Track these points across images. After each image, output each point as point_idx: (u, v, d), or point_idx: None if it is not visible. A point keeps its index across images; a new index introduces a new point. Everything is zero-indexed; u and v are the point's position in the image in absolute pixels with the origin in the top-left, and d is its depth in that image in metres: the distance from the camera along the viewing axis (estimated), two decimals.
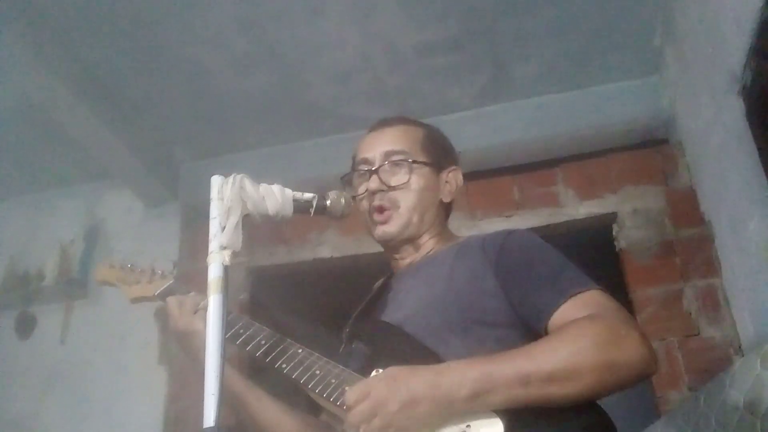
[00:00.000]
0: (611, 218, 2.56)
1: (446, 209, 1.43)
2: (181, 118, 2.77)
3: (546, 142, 2.68)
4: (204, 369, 1.16)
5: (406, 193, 1.34)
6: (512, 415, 0.99)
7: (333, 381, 1.14)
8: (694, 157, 2.45)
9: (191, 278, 1.41)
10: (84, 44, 2.37)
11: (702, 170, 2.37)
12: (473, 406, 1.00)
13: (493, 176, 2.71)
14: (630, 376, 1.01)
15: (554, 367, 0.99)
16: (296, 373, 1.17)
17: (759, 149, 1.68)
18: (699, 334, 2.29)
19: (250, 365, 2.73)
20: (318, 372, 1.16)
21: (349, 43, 2.41)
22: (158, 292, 1.43)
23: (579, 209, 2.59)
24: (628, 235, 2.50)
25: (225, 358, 0.91)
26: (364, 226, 1.40)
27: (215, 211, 1.01)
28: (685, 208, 2.47)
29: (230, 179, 1.04)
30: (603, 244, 2.56)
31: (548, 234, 2.57)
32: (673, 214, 2.49)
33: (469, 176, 2.86)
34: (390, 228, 1.34)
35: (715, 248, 2.30)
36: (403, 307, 1.26)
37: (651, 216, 2.50)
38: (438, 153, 1.41)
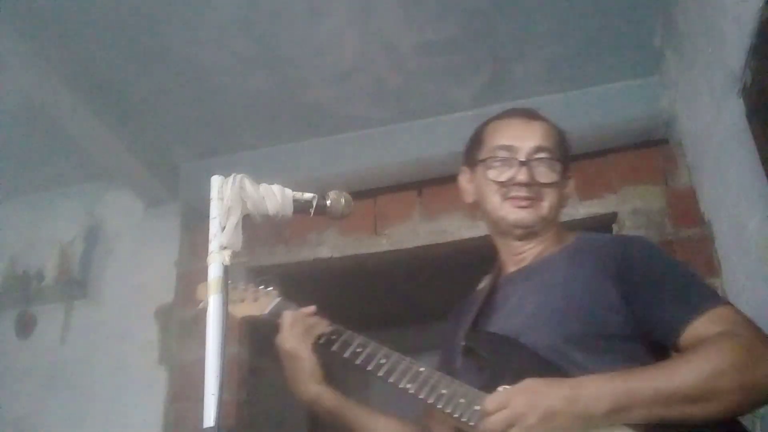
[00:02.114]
0: (611, 218, 2.56)
1: None
2: (181, 118, 2.77)
3: None
4: (292, 385, 1.27)
5: (552, 191, 1.33)
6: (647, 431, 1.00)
7: (462, 400, 1.14)
8: (694, 157, 2.44)
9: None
10: (84, 44, 2.37)
11: (702, 170, 2.37)
12: (610, 422, 1.00)
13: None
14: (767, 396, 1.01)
15: (694, 388, 0.99)
16: (423, 393, 1.17)
17: (759, 149, 1.68)
18: None
19: (249, 369, 2.74)
20: (444, 391, 1.16)
21: (349, 43, 2.41)
22: (268, 311, 1.45)
23: (579, 209, 2.58)
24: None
25: (225, 358, 0.91)
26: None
27: (215, 211, 1.01)
28: (685, 208, 2.46)
29: (230, 179, 1.04)
30: None
31: None
32: (673, 214, 2.48)
33: None
34: (529, 216, 1.31)
35: (715, 248, 2.30)
36: (516, 316, 1.24)
37: (651, 216, 2.50)
38: (567, 157, 1.40)
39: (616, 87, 2.62)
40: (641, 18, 2.35)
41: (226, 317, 0.94)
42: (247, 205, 1.03)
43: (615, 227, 2.54)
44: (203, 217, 1.03)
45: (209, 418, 0.85)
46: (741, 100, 1.75)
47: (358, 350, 1.28)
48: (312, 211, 1.15)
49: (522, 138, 1.34)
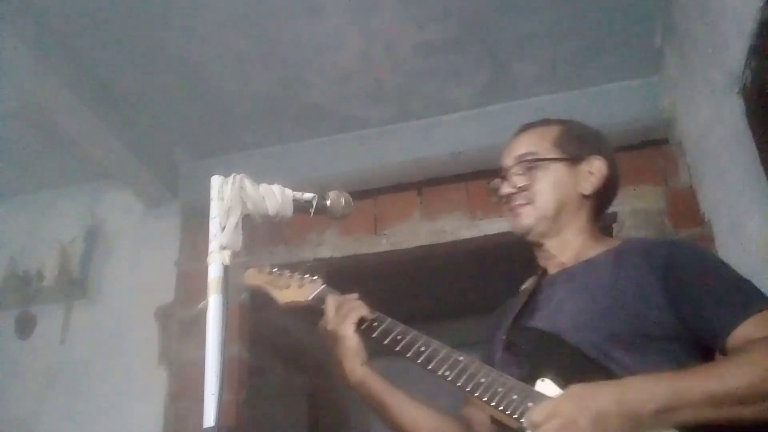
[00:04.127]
0: (611, 218, 2.55)
1: (594, 203, 1.39)
2: (181, 118, 2.77)
3: None
4: (339, 369, 1.28)
5: (538, 189, 1.34)
6: None
7: (500, 389, 1.14)
8: (694, 157, 2.44)
9: (333, 281, 1.46)
10: (84, 44, 2.37)
11: (702, 170, 2.37)
12: (658, 422, 0.99)
13: (493, 176, 2.71)
14: None
15: (745, 390, 0.98)
16: (461, 381, 1.18)
17: (759, 149, 1.68)
18: None
19: (249, 369, 2.74)
20: (483, 380, 1.16)
21: (349, 43, 2.41)
22: (311, 297, 1.44)
23: None
24: (628, 236, 2.50)
25: (225, 358, 0.91)
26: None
27: (215, 211, 1.01)
28: (685, 208, 2.46)
29: (230, 179, 1.04)
30: None
31: None
32: (673, 214, 2.48)
33: (469, 176, 2.87)
34: (523, 220, 1.34)
35: (715, 248, 2.30)
36: (559, 314, 1.24)
37: (651, 216, 2.50)
38: (574, 146, 1.39)
39: (616, 87, 2.62)
40: (641, 18, 2.35)
41: (226, 317, 0.94)
42: (247, 205, 1.03)
43: (615, 227, 2.54)
44: (203, 217, 1.03)
45: (209, 418, 0.85)
46: (741, 100, 1.75)
47: (399, 337, 1.28)
48: (312, 211, 1.15)
49: (506, 155, 1.42)
